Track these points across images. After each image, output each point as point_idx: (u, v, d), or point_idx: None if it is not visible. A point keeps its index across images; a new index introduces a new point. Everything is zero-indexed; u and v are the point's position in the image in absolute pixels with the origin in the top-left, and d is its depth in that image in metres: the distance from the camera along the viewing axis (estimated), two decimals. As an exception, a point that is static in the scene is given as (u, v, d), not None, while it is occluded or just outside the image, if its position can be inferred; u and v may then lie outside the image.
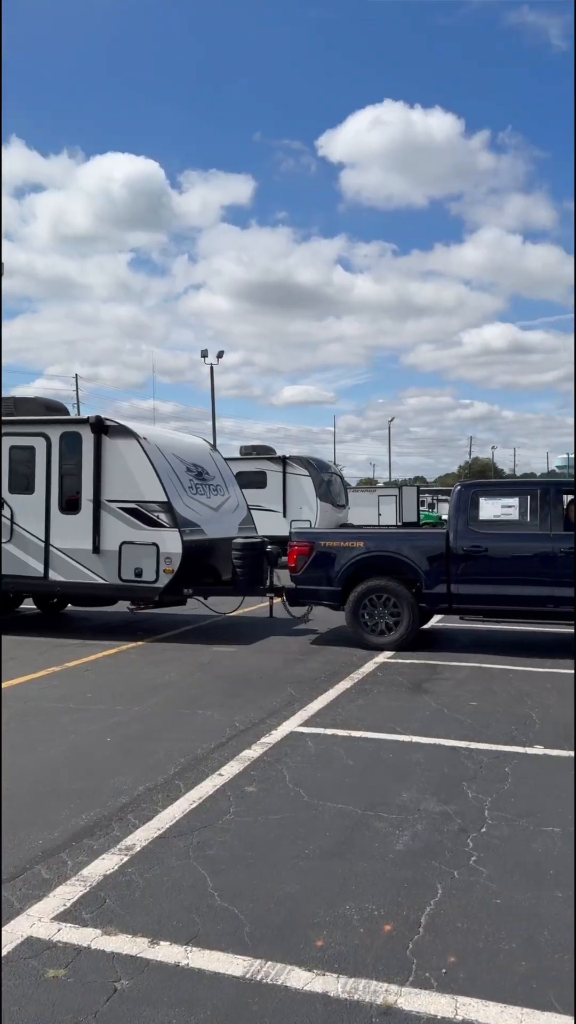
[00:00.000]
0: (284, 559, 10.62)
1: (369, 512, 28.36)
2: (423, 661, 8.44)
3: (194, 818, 4.30)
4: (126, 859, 3.83)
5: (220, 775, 4.96)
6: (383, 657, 8.69)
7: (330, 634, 10.37)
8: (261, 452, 20.55)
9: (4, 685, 7.46)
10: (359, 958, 2.96)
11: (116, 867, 3.75)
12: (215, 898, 3.45)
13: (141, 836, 4.08)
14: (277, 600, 10.63)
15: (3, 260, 23.36)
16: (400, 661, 8.47)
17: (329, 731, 5.86)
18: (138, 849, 3.93)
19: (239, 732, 5.87)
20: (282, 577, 10.66)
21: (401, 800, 4.50)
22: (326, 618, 11.00)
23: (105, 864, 3.78)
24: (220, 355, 38.27)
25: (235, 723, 6.11)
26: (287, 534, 18.85)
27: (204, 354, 37.79)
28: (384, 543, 9.75)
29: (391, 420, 72.47)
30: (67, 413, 12.18)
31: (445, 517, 40.68)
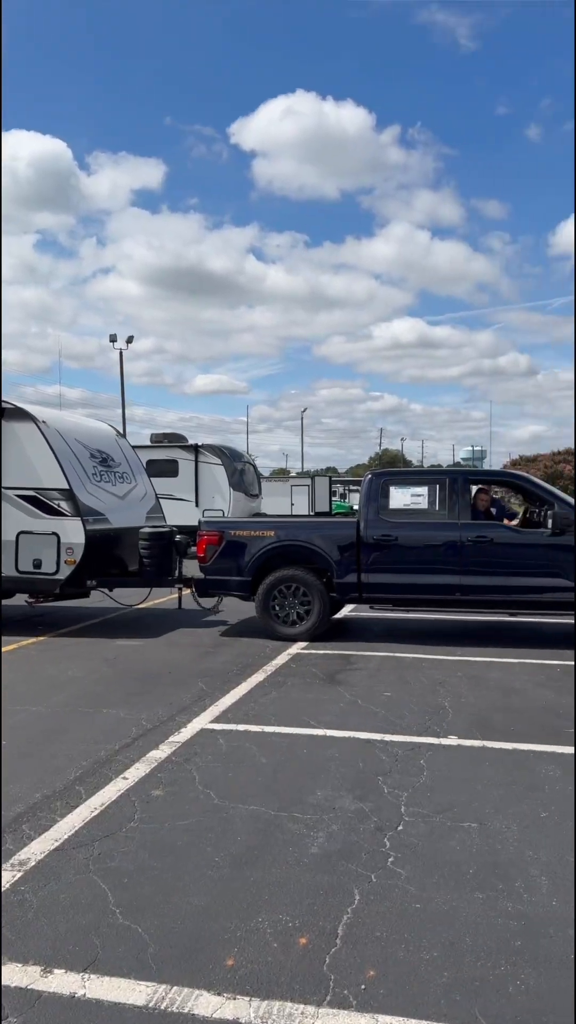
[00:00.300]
0: (193, 549, 10.33)
1: (282, 502, 28.27)
2: (336, 652, 8.33)
3: (95, 827, 4.00)
4: (19, 876, 3.50)
5: (124, 779, 4.67)
6: (296, 648, 8.53)
7: (241, 625, 10.14)
8: (173, 440, 20.08)
9: None
10: (273, 977, 2.75)
11: (7, 885, 3.42)
12: (117, 916, 3.18)
13: (36, 849, 3.76)
14: (186, 591, 10.34)
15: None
16: (313, 652, 8.33)
17: (241, 727, 5.63)
18: (32, 864, 3.61)
19: (146, 731, 5.58)
20: (191, 568, 10.36)
21: (315, 799, 4.32)
22: (237, 609, 10.77)
23: (-5, 884, 3.44)
24: (130, 340, 37.34)
25: (142, 722, 5.81)
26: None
27: (113, 339, 36.79)
28: (295, 532, 9.59)
29: (304, 411, 72.62)
30: (-38, 395, 11.48)
31: (356, 507, 41.10)
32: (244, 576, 9.50)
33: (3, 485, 9.90)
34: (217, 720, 5.82)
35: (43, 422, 10.00)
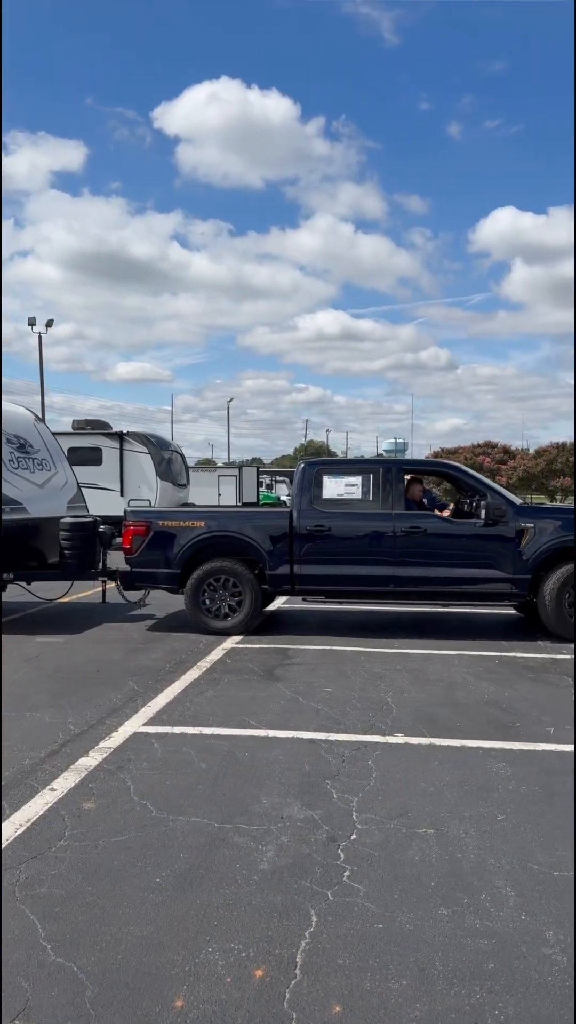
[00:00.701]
0: (118, 540, 9.90)
1: (209, 492, 27.81)
2: (272, 645, 8.07)
3: (21, 847, 3.63)
4: None
5: (52, 790, 4.30)
6: (231, 643, 8.23)
7: (170, 619, 9.78)
8: (96, 427, 19.39)
9: None
10: (228, 1018, 2.48)
11: None
12: (48, 952, 2.84)
13: (-46, 877, 3.37)
14: (110, 584, 9.89)
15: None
16: (249, 646, 8.05)
17: (177, 729, 5.31)
18: (-51, 896, 3.22)
19: (74, 736, 5.20)
20: (115, 560, 9.93)
21: (261, 807, 4.06)
22: (165, 602, 10.40)
23: None
24: (49, 324, 36.04)
25: (69, 726, 5.42)
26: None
27: (32, 322, 35.42)
28: (226, 523, 9.27)
29: (230, 401, 72.08)
30: None
31: (284, 498, 41.08)
32: (173, 568, 9.13)
33: None
34: (151, 722, 5.48)
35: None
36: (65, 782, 4.40)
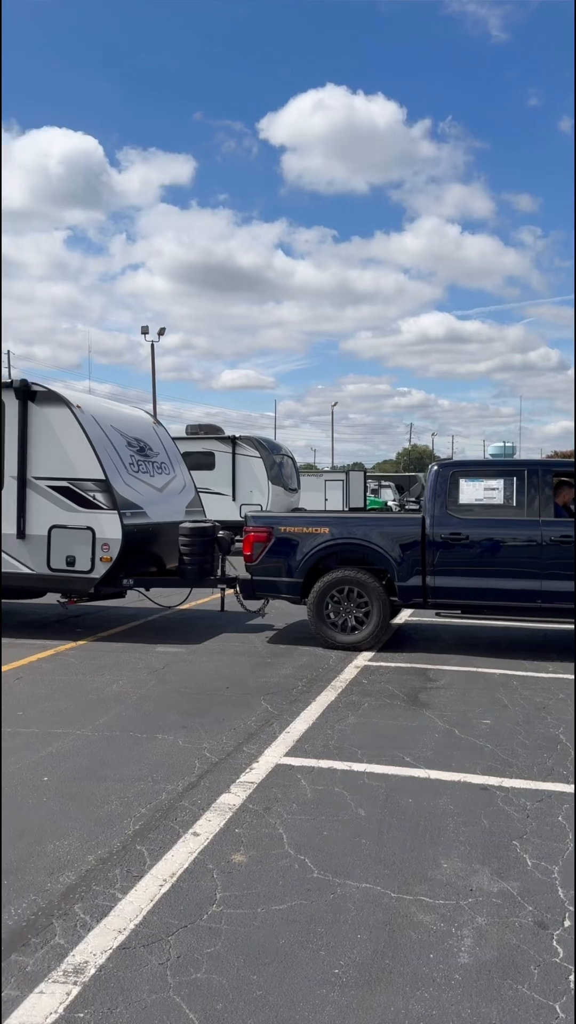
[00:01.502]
0: (238, 546, 9.46)
1: (315, 497, 27.29)
2: (410, 665, 7.39)
3: (168, 911, 3.11)
4: (75, 993, 2.62)
5: (195, 835, 3.78)
6: (362, 660, 7.60)
7: (292, 631, 9.25)
8: (209, 431, 19.17)
9: None
10: None
11: (60, 1009, 2.54)
12: (215, 1065, 2.29)
13: (96, 946, 2.87)
14: (229, 592, 9.45)
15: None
16: (384, 664, 7.40)
17: (324, 763, 4.72)
18: (92, 973, 2.72)
19: (212, 766, 4.69)
20: (235, 566, 9.50)
21: (443, 873, 3.41)
22: (284, 611, 9.89)
23: (45, 1004, 2.56)
24: (161, 332, 36.48)
25: (204, 752, 4.93)
26: (236, 518, 17.74)
27: (145, 331, 35.95)
28: (351, 529, 8.65)
29: (334, 405, 71.19)
30: (-10, 378, 10.64)
31: (391, 503, 40.10)
32: (295, 577, 8.60)
33: (34, 475, 9.06)
34: (293, 753, 4.92)
35: (77, 407, 9.14)
36: (209, 825, 3.88)
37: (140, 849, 3.63)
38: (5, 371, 44.90)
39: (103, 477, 8.84)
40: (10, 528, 9.04)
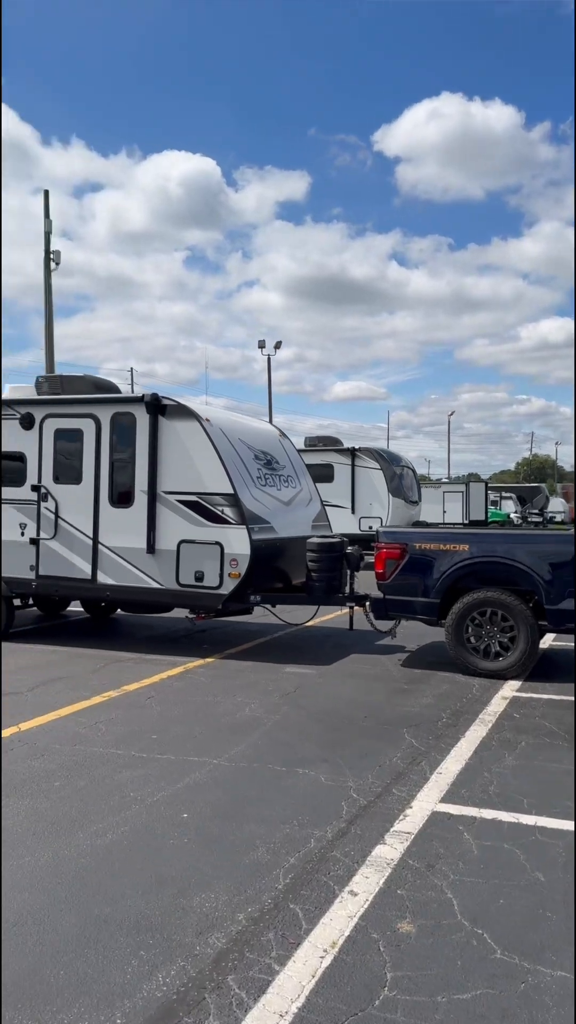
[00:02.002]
0: (369, 562, 9.06)
1: (433, 509, 26.52)
2: (565, 697, 6.75)
3: (333, 992, 2.72)
4: None
5: (352, 893, 3.39)
6: (510, 690, 7.02)
7: (426, 654, 8.74)
8: (328, 443, 18.88)
9: (52, 716, 6.01)
10: None
11: None
12: None
13: (255, 1031, 2.52)
14: (358, 610, 9.05)
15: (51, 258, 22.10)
16: (535, 696, 6.80)
17: (487, 813, 4.23)
18: (256, 1067, 2.37)
19: (361, 809, 4.29)
20: (364, 582, 9.10)
21: None
22: (416, 632, 9.38)
23: None
24: (278, 346, 36.68)
25: (351, 792, 4.53)
26: (355, 532, 17.36)
27: (262, 344, 36.25)
28: (493, 547, 8.07)
29: (451, 415, 69.26)
30: (119, 393, 10.71)
31: (513, 515, 38.72)
32: (431, 598, 8.09)
33: (163, 489, 8.98)
34: (449, 799, 4.45)
35: (206, 420, 9.00)
36: (366, 883, 3.48)
37: (294, 908, 3.27)
38: (128, 388, 46.23)
39: (232, 491, 8.65)
40: (140, 542, 8.98)
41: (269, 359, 36.73)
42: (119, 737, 5.52)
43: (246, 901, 3.32)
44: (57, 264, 22.43)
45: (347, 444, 18.82)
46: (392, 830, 4.03)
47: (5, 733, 5.61)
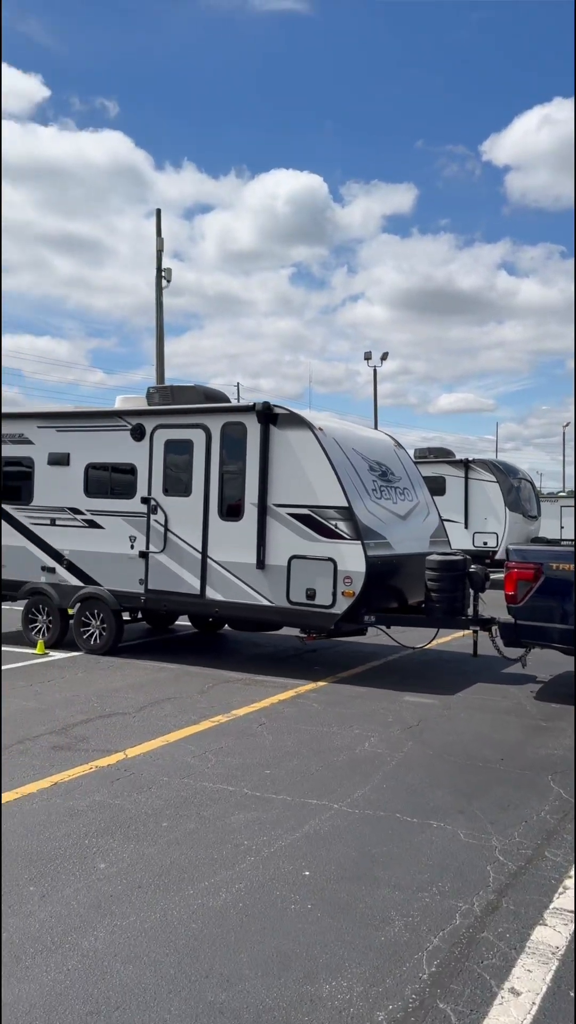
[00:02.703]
0: (496, 581, 8.35)
1: (550, 524, 25.15)
2: None
3: None
4: None
5: (514, 992, 2.78)
6: None
7: (561, 685, 7.94)
8: (439, 455, 18.11)
9: (159, 742, 5.65)
10: None
11: None
12: None
13: None
14: (483, 634, 8.33)
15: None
16: None
17: None
18: None
19: (511, 877, 3.66)
20: (488, 604, 8.39)
21: None
22: (546, 659, 8.57)
23: None
24: (384, 357, 36.06)
25: (496, 854, 3.91)
26: (471, 548, 16.49)
27: (368, 356, 35.74)
28: None
29: (566, 426, 65.56)
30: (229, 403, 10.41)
31: None
32: (571, 624, 7.31)
33: (274, 502, 8.56)
34: (617, 869, 3.76)
35: (319, 429, 8.54)
36: (530, 979, 2.86)
37: (444, 1009, 2.70)
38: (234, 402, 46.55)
39: (346, 504, 8.14)
40: (250, 557, 8.60)
41: (375, 371, 36.13)
42: (230, 770, 5.08)
43: (385, 995, 2.77)
44: (168, 281, 22.69)
45: (464, 456, 17.99)
46: (552, 907, 3.39)
47: (112, 759, 5.28)
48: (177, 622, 11.16)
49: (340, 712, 6.62)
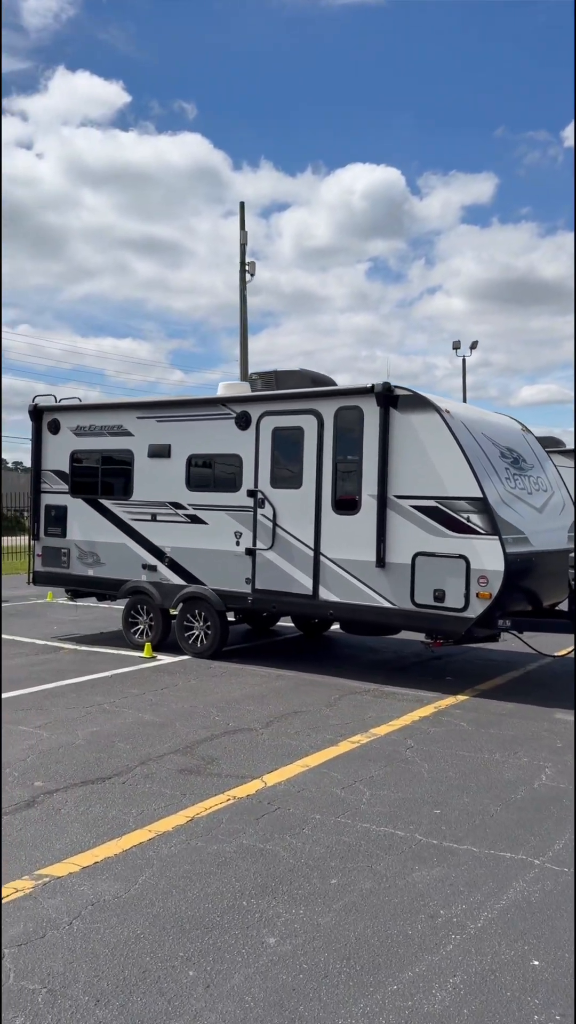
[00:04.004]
0: None
1: None
2: None
3: None
4: None
5: None
6: None
7: None
8: (548, 444, 16.87)
9: (297, 767, 4.93)
10: None
11: None
12: None
13: None
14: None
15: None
16: None
17: None
18: None
19: None
20: None
21: None
22: None
23: None
24: (474, 346, 34.63)
25: None
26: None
27: (456, 346, 34.41)
28: None
29: None
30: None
31: None
32: None
33: (395, 493, 7.74)
34: None
35: (446, 411, 7.68)
36: None
37: None
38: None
39: (480, 495, 7.25)
40: (368, 555, 7.80)
41: (464, 360, 34.76)
42: (391, 808, 4.30)
43: None
44: (252, 275, 22.31)
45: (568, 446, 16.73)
46: None
47: (249, 787, 4.57)
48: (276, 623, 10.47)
49: (495, 734, 5.77)
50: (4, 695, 6.70)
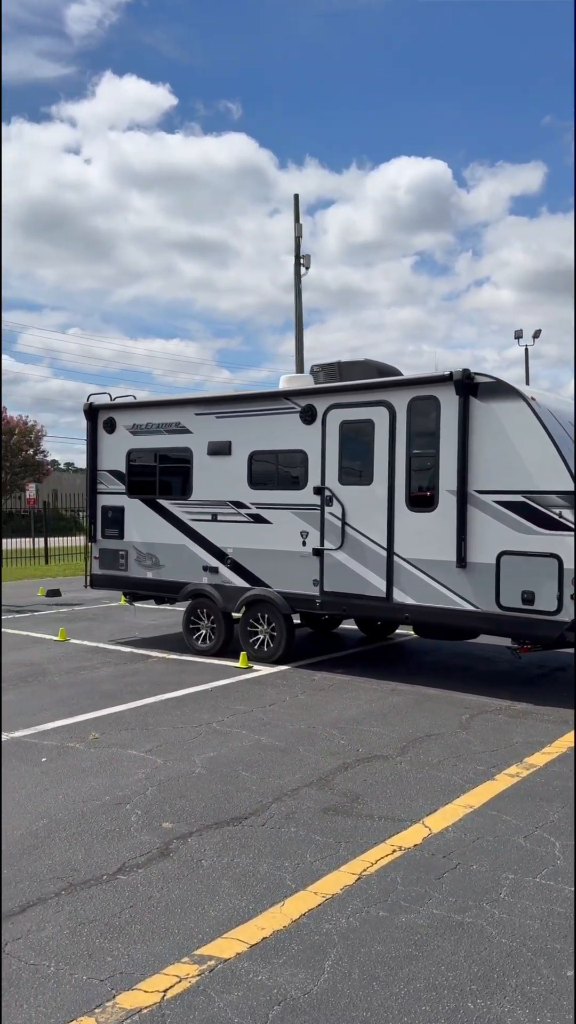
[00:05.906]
0: None
1: None
2: None
3: None
4: None
5: None
6: None
7: None
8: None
9: (461, 808, 4.41)
10: None
11: None
12: None
13: None
14: None
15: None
16: None
17: None
18: None
19: None
20: None
21: None
22: None
23: None
24: (537, 335, 33.83)
25: None
26: None
27: (519, 335, 33.67)
28: None
29: None
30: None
31: None
32: None
33: (476, 488, 7.18)
34: None
35: (532, 399, 7.09)
36: None
37: None
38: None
39: (573, 488, 6.66)
40: (447, 554, 7.25)
41: (527, 349, 33.87)
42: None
43: None
44: (307, 268, 22.01)
45: None
46: None
47: (413, 835, 4.01)
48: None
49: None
50: (102, 712, 6.35)
